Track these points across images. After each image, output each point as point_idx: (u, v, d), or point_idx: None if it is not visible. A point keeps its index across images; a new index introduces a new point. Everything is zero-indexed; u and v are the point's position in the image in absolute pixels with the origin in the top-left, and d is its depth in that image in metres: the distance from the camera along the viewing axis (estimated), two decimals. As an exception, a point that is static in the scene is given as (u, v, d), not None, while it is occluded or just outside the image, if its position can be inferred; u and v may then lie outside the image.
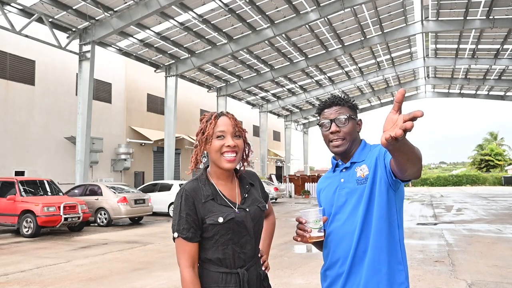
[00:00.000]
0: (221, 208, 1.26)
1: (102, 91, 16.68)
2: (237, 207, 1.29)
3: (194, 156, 1.32)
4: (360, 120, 1.45)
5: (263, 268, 1.40)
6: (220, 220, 1.24)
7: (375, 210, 1.29)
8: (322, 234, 1.29)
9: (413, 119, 0.91)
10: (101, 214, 10.62)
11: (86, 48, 12.47)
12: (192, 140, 20.76)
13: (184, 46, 15.43)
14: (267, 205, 1.41)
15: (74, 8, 11.64)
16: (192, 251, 1.24)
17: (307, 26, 15.03)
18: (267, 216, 1.51)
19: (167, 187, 13.30)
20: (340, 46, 17.76)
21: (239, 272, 1.26)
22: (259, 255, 1.38)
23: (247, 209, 1.30)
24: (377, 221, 1.28)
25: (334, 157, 1.47)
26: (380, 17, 15.64)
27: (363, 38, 17.32)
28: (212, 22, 13.93)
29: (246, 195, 1.34)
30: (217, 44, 15.50)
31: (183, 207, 1.24)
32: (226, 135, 1.28)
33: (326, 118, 1.39)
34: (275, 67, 19.41)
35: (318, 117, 1.45)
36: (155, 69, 16.91)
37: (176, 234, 1.25)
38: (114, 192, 10.78)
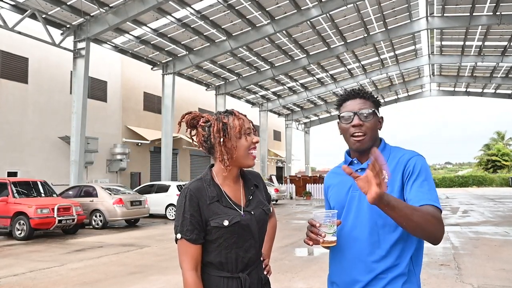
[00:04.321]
0: (226, 210, 1.24)
1: (97, 90, 16.49)
2: (242, 209, 1.26)
3: (227, 154, 1.26)
4: (382, 117, 1.36)
5: (265, 272, 1.37)
6: (226, 223, 1.21)
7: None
8: (336, 238, 1.22)
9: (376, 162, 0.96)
10: (96, 216, 10.47)
11: (81, 45, 12.28)
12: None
13: (182, 43, 15.21)
14: (270, 207, 1.39)
15: (68, 4, 11.46)
16: (196, 254, 1.22)
17: (308, 22, 14.82)
18: (269, 218, 1.46)
19: (164, 189, 13.14)
20: (343, 43, 17.50)
21: (240, 277, 1.24)
22: (261, 258, 1.35)
23: (253, 212, 1.28)
24: (399, 231, 1.24)
25: (348, 152, 1.41)
26: (383, 13, 15.39)
27: (366, 35, 17.07)
28: (210, 18, 13.71)
29: (251, 197, 1.31)
30: (215, 41, 15.27)
31: (187, 208, 1.21)
32: (251, 131, 1.29)
33: (349, 110, 1.32)
34: (276, 65, 19.17)
35: (338, 109, 1.39)
36: (152, 66, 16.71)
37: (179, 235, 1.22)
38: (110, 194, 10.66)
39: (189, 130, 1.34)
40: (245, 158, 1.27)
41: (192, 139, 1.35)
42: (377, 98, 1.37)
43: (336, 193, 1.37)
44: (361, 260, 1.24)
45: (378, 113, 1.34)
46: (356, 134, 1.29)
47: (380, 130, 1.35)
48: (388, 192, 1.21)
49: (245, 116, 1.32)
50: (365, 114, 1.29)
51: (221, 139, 1.25)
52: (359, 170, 1.32)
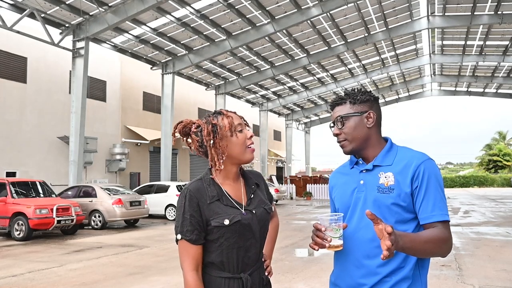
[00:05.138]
0: (227, 209, 1.23)
1: (96, 89, 16.42)
2: (243, 208, 1.26)
3: (218, 155, 1.25)
4: (370, 112, 1.31)
5: (266, 273, 1.36)
6: (226, 222, 1.20)
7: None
8: (342, 242, 1.20)
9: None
10: (95, 217, 10.41)
11: (80, 44, 12.22)
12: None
13: (181, 42, 15.13)
14: (272, 207, 1.39)
15: (67, 3, 11.42)
16: (196, 254, 1.21)
17: (308, 21, 14.73)
18: (271, 218, 1.46)
19: (163, 189, 13.07)
20: (343, 42, 17.41)
21: (242, 277, 1.23)
22: (262, 259, 1.36)
23: (254, 211, 1.27)
24: None
25: None
26: (384, 12, 15.32)
27: (366, 34, 16.99)
28: (210, 18, 13.64)
29: (252, 196, 1.31)
30: (215, 40, 15.19)
31: (187, 208, 1.21)
32: (243, 127, 1.29)
33: (331, 121, 1.37)
34: (276, 64, 19.09)
35: None
36: (151, 66, 16.64)
37: (179, 236, 1.22)
38: (109, 194, 10.60)
39: (184, 139, 1.34)
40: (243, 154, 1.27)
41: (190, 147, 1.35)
42: (361, 93, 1.33)
43: (341, 193, 1.35)
44: (365, 263, 1.22)
45: (359, 112, 1.30)
46: (338, 141, 1.34)
47: (370, 125, 1.30)
48: (395, 195, 1.22)
49: (234, 113, 1.32)
50: (340, 121, 1.31)
51: (212, 141, 1.26)
52: (364, 171, 1.30)
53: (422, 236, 1.15)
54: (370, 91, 1.36)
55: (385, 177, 1.24)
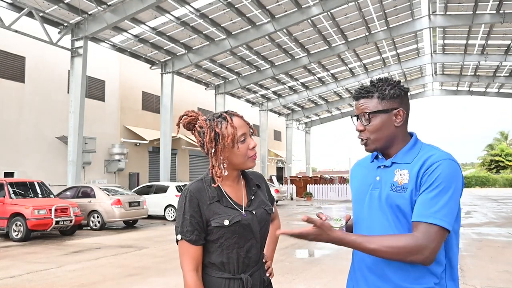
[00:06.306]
0: (227, 210, 1.24)
1: (95, 89, 16.37)
2: (243, 209, 1.27)
3: (219, 164, 1.25)
4: (400, 110, 1.20)
5: (267, 274, 1.37)
6: (226, 222, 1.21)
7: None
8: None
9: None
10: (94, 217, 10.38)
11: (79, 43, 12.19)
12: (189, 140, 20.28)
13: (181, 41, 15.08)
14: (273, 208, 1.39)
15: (66, 2, 11.39)
16: (196, 254, 1.22)
17: (309, 20, 14.68)
18: (272, 220, 1.48)
19: (163, 189, 13.03)
20: (344, 41, 17.35)
21: (242, 278, 1.24)
22: (263, 260, 1.36)
23: (254, 212, 1.28)
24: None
25: None
26: (385, 11, 15.28)
27: (367, 34, 16.93)
28: (210, 17, 13.59)
29: (253, 197, 1.31)
30: (215, 39, 15.13)
31: (187, 209, 1.22)
32: (247, 136, 1.27)
33: (355, 113, 1.27)
34: (276, 64, 19.03)
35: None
36: (150, 65, 16.59)
37: (179, 236, 1.22)
38: (108, 194, 10.57)
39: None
40: (244, 163, 1.27)
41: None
42: (390, 86, 1.20)
43: (358, 188, 1.30)
44: (379, 269, 1.18)
45: (388, 109, 1.19)
46: (361, 138, 1.25)
47: (399, 124, 1.20)
48: (408, 195, 1.14)
49: (241, 117, 1.29)
50: (366, 117, 1.20)
51: (214, 149, 1.25)
52: (382, 167, 1.24)
53: (370, 242, 1.08)
54: (399, 82, 1.23)
55: (400, 175, 1.18)
